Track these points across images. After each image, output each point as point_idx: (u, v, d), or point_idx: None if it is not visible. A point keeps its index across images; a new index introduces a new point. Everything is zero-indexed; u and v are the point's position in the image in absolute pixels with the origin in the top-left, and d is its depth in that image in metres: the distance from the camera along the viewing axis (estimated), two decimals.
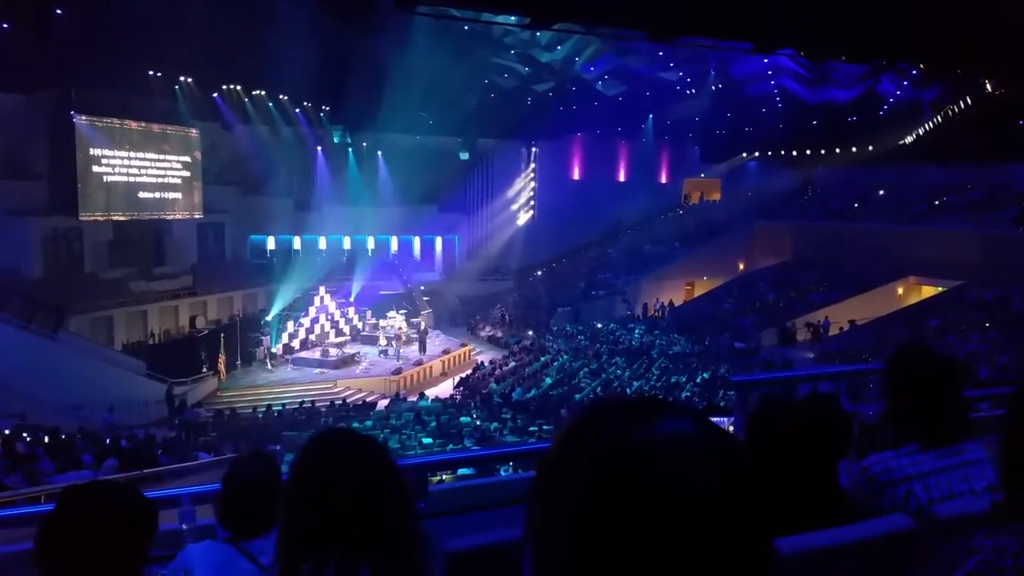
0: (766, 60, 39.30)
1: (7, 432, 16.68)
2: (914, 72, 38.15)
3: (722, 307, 38.28)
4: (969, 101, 39.74)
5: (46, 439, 16.57)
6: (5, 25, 25.57)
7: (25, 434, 16.81)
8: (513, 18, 30.80)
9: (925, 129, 43.81)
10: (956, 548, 1.21)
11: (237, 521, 2.55)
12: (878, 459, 2.37)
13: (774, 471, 2.12)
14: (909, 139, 44.59)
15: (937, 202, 38.88)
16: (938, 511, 2.14)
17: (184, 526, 3.08)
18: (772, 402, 2.39)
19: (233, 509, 2.58)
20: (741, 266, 43.91)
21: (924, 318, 30.21)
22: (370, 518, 1.57)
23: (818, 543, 2.03)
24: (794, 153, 49.39)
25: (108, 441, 17.44)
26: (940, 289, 33.48)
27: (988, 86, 37.23)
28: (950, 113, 41.75)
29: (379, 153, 41.92)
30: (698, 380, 26.60)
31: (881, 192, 42.71)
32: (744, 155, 52.65)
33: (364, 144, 42.32)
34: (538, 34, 37.07)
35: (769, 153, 50.80)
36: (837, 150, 46.55)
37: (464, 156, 46.45)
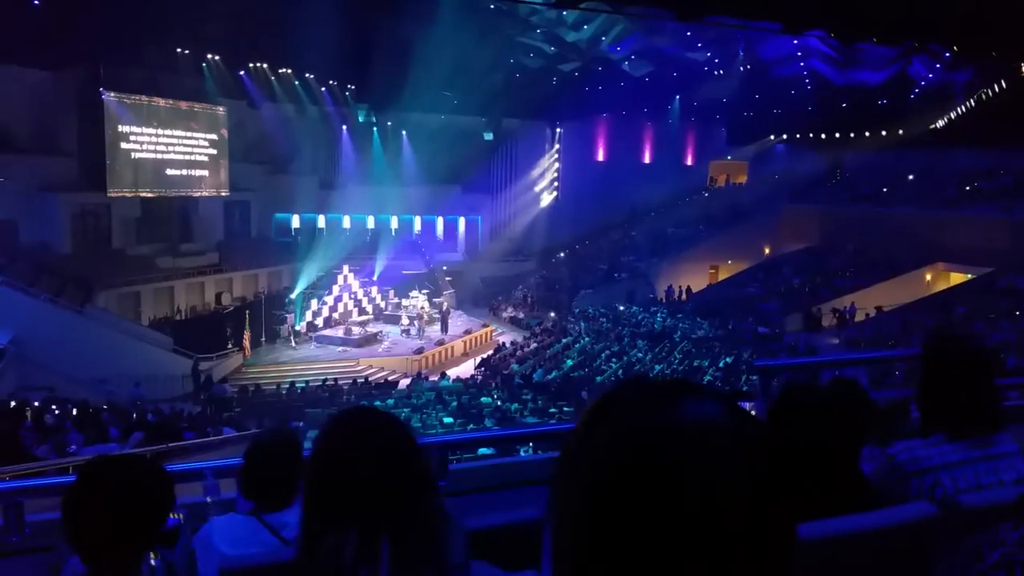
0: (795, 41, 38.73)
1: (37, 404, 16.99)
2: (947, 54, 37.47)
3: (747, 291, 38.02)
4: (1003, 84, 38.97)
5: (74, 412, 16.85)
6: (35, 2, 25.77)
7: (54, 407, 17.11)
8: None
9: (957, 113, 43.04)
10: (981, 539, 1.19)
11: (260, 494, 2.59)
12: (904, 447, 2.34)
13: (797, 456, 2.10)
14: (940, 123, 43.84)
15: (968, 187, 38.27)
16: (963, 500, 2.11)
17: (208, 499, 3.12)
18: (798, 386, 2.37)
19: (256, 483, 2.61)
20: (767, 250, 43.55)
21: (952, 305, 29.83)
22: (391, 492, 1.58)
23: (839, 529, 2.02)
24: (823, 136, 48.78)
25: (135, 415, 17.70)
26: (969, 276, 33.02)
27: (1023, 69, 36.46)
28: (983, 97, 40.96)
29: (403, 132, 41.96)
30: (721, 364, 26.48)
31: (911, 177, 42.10)
32: (772, 138, 52.07)
33: (389, 123, 42.37)
34: (564, 13, 36.77)
35: (797, 136, 50.22)
36: (866, 133, 45.89)
37: (488, 136, 46.32)
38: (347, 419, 1.72)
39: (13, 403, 16.66)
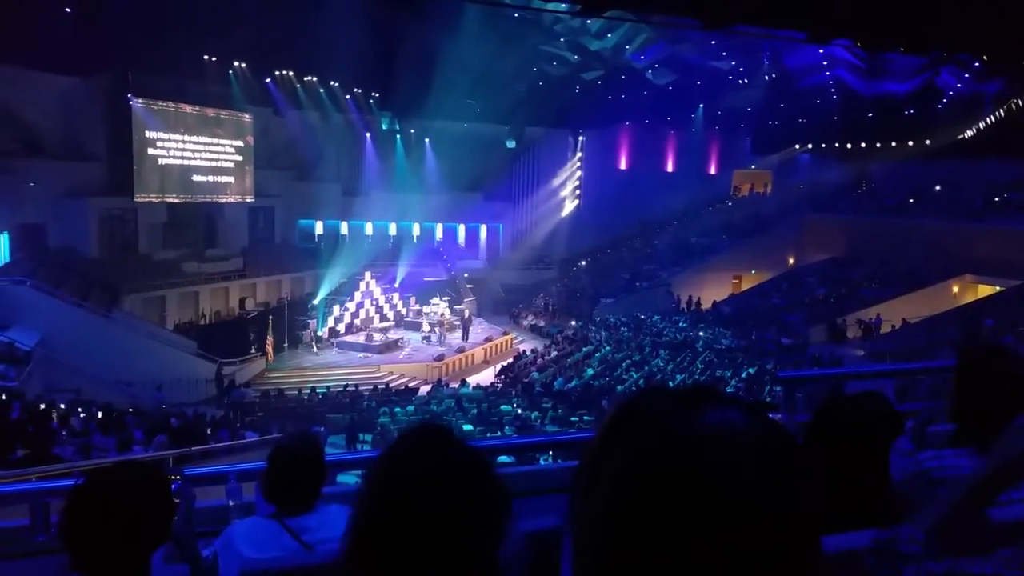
0: (821, 51, 38.50)
1: (63, 407, 17.19)
2: (976, 64, 37.06)
3: (770, 302, 37.74)
4: None
5: (99, 415, 17.02)
6: (68, 9, 26.18)
7: (80, 409, 17.29)
8: (563, 5, 30.60)
9: (985, 123, 42.53)
10: None
11: (281, 498, 2.60)
12: (934, 455, 2.30)
13: (829, 469, 2.08)
14: (968, 133, 43.32)
15: (996, 199, 37.77)
16: (991, 515, 2.08)
17: (231, 502, 3.14)
18: (833, 402, 2.34)
19: (277, 487, 2.62)
20: (791, 260, 43.21)
21: (980, 317, 29.42)
22: (460, 531, 1.34)
23: (863, 542, 1.99)
24: (848, 146, 48.37)
25: (159, 419, 17.84)
26: (998, 288, 32.57)
27: None
28: (1013, 107, 40.46)
29: (426, 140, 42.14)
30: (743, 375, 26.28)
31: (938, 188, 41.64)
32: (796, 147, 51.70)
33: (412, 131, 42.58)
34: (588, 22, 36.80)
35: (822, 145, 49.82)
36: (892, 144, 45.43)
37: (511, 144, 46.41)
38: (420, 441, 1.44)
39: (42, 405, 16.85)
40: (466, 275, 39.40)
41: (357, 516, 1.39)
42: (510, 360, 30.53)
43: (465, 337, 32.09)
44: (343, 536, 1.40)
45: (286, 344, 30.55)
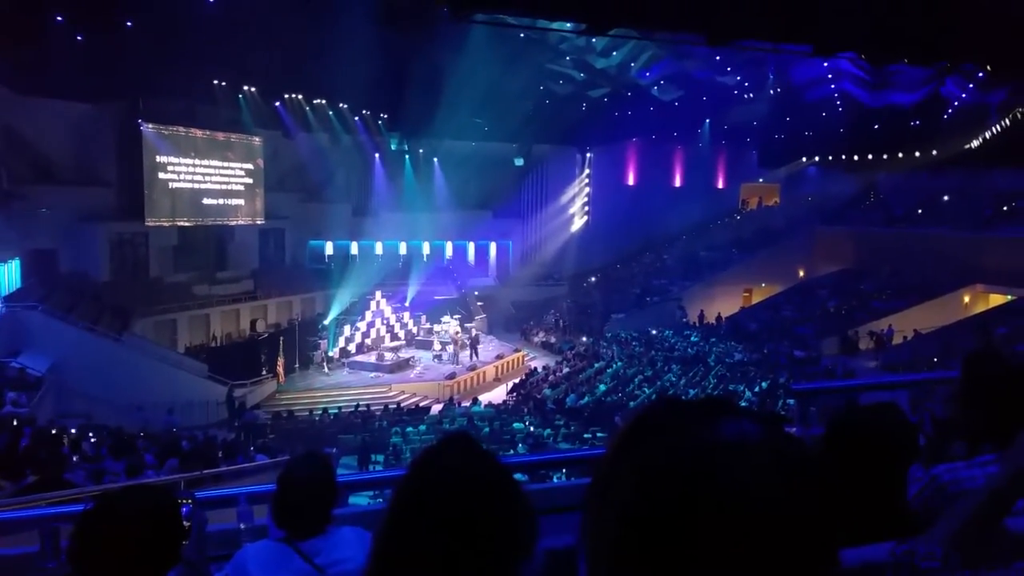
0: (826, 64, 38.54)
1: (74, 431, 17.20)
2: (980, 74, 37.02)
3: (782, 315, 37.62)
4: None
5: (110, 439, 17.00)
6: (79, 36, 26.45)
7: (91, 433, 17.30)
8: (569, 24, 30.77)
9: (992, 132, 42.44)
10: None
11: (292, 521, 2.58)
12: (947, 468, 2.27)
13: (848, 480, 2.06)
14: (975, 143, 43.22)
15: (1005, 208, 37.65)
16: (1008, 525, 2.05)
17: (242, 525, 3.13)
18: (856, 409, 2.32)
19: (288, 509, 2.60)
20: (801, 273, 43.11)
21: (991, 327, 29.26)
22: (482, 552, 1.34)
23: (879, 556, 1.96)
24: (855, 158, 48.29)
25: (170, 442, 17.83)
26: (1009, 298, 32.42)
27: None
28: (1019, 116, 40.38)
29: (435, 159, 42.35)
30: (756, 389, 26.15)
31: (946, 198, 41.53)
32: (804, 160, 51.70)
33: (420, 151, 42.79)
34: (594, 40, 36.96)
35: (830, 158, 49.79)
36: (900, 155, 45.36)
37: (519, 162, 46.55)
38: (450, 453, 1.45)
39: (54, 430, 16.87)
40: (476, 293, 39.45)
41: (393, 510, 1.39)
42: (522, 377, 30.47)
43: (476, 355, 32.07)
44: (375, 534, 1.40)
45: (297, 365, 30.58)
